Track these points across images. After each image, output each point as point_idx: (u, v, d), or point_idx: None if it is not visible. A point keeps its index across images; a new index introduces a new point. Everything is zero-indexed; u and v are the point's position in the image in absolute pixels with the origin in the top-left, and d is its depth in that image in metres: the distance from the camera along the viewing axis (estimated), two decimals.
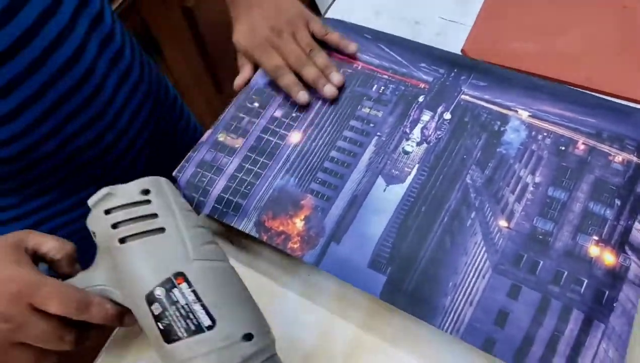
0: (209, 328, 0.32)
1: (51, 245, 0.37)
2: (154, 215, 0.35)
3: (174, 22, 1.13)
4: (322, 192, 0.46)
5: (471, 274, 0.41)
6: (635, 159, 0.45)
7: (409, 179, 0.46)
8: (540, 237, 0.42)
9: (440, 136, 0.48)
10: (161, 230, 0.35)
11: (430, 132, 0.49)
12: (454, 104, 0.50)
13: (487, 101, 0.50)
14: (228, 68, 1.46)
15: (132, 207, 0.35)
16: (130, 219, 0.35)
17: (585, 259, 0.41)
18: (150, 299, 0.32)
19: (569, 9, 0.61)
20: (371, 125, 0.50)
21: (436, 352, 0.41)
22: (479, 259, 0.41)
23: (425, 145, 0.48)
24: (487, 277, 0.41)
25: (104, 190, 0.36)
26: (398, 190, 0.46)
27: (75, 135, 0.51)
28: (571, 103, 0.49)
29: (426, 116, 0.50)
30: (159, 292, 0.32)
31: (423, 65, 0.54)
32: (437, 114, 0.50)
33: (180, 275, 0.33)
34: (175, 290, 0.32)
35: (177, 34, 1.15)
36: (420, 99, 0.51)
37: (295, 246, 0.44)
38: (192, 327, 0.32)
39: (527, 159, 0.46)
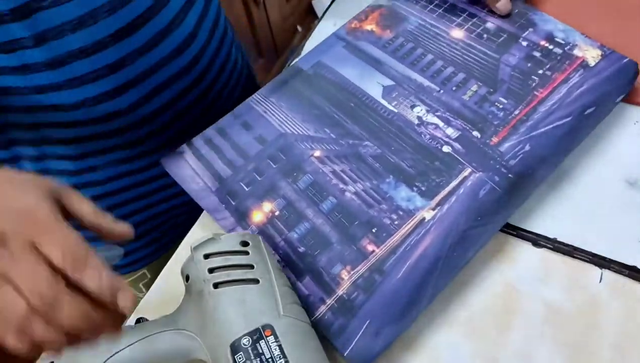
0: None
1: (86, 209, 0.34)
2: (251, 266, 0.37)
3: None
4: None
5: None
6: None
7: None
8: None
9: None
10: (256, 281, 0.36)
11: None
12: None
13: None
14: None
15: (231, 255, 0.37)
16: (228, 266, 0.36)
17: None
18: (236, 347, 0.33)
19: None
20: None
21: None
22: None
23: None
24: None
25: (208, 235, 0.38)
26: None
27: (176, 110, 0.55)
28: None
29: None
30: (246, 341, 0.33)
31: None
32: None
33: (269, 327, 0.33)
34: (262, 342, 0.33)
35: None
36: None
37: None
38: None
39: None
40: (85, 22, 0.42)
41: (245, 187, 0.48)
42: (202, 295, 0.36)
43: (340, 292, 0.41)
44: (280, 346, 0.33)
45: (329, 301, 0.40)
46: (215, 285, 0.35)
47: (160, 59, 0.49)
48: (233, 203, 0.47)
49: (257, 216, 0.46)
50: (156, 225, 0.65)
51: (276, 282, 0.37)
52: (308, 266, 0.42)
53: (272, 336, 0.33)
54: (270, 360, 0.32)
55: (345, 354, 0.38)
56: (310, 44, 0.63)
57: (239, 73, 0.64)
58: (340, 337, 0.39)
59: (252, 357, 0.32)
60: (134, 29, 0.46)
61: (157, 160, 0.52)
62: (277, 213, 0.46)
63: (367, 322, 0.39)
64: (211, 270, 0.36)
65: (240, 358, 0.32)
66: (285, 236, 0.44)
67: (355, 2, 0.66)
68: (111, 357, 0.36)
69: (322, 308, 0.40)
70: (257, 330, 0.33)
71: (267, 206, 0.46)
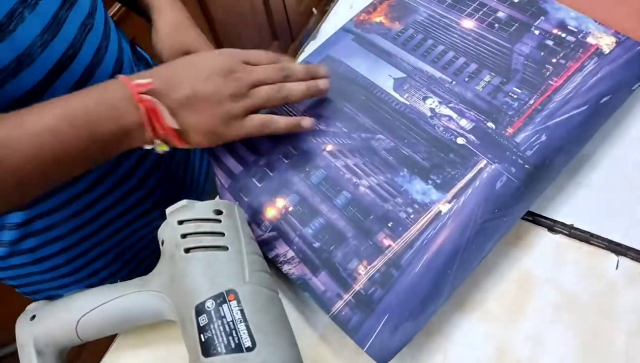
0: (248, 349, 0.32)
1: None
2: (221, 234, 0.38)
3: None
4: None
5: None
6: None
7: None
8: None
9: None
10: (224, 248, 0.37)
11: None
12: None
13: None
14: None
15: (203, 222, 0.38)
16: (199, 233, 0.37)
17: None
18: (200, 309, 0.34)
19: None
20: None
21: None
22: None
23: None
24: None
25: (182, 202, 0.39)
26: None
27: None
28: None
29: None
30: (209, 304, 0.34)
31: None
32: None
33: (233, 292, 0.35)
34: (225, 306, 0.34)
35: None
36: None
37: None
38: (232, 345, 0.32)
39: None
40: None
41: (257, 183, 0.47)
42: (173, 259, 0.37)
43: (357, 287, 0.40)
44: (242, 310, 0.34)
45: (346, 296, 0.40)
46: (186, 250, 0.36)
47: None
48: (246, 199, 0.47)
49: (271, 212, 0.45)
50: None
51: (245, 249, 0.37)
52: (324, 261, 0.42)
53: (235, 301, 0.34)
54: (231, 323, 0.33)
55: (364, 349, 0.38)
56: (326, 26, 0.62)
57: None
58: (358, 332, 0.39)
59: (214, 319, 0.33)
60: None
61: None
62: (290, 209, 0.45)
63: (386, 317, 0.39)
64: (184, 236, 0.37)
65: (203, 320, 0.34)
66: (300, 232, 0.44)
67: None
68: (86, 314, 0.38)
69: (340, 304, 0.40)
70: (221, 295, 0.34)
71: (281, 202, 0.46)
